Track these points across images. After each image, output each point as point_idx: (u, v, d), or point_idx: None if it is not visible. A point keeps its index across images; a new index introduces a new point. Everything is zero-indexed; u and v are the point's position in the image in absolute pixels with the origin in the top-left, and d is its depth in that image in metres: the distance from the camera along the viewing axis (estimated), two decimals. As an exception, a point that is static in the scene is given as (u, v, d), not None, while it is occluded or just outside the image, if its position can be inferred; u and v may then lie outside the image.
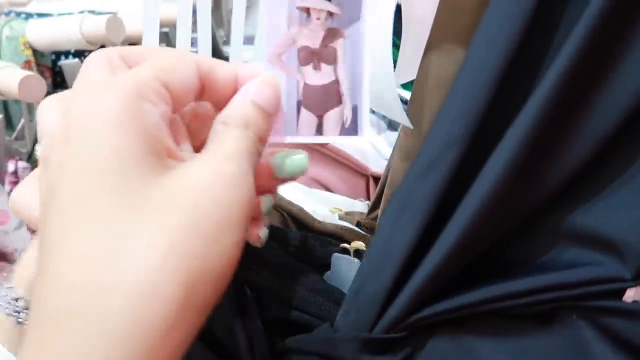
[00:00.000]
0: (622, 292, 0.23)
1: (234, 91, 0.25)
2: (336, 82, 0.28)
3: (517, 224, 0.25)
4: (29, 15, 0.63)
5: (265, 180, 0.27)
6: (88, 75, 0.23)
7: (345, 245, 0.34)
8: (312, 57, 0.28)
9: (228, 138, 0.23)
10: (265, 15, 0.28)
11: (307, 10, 0.28)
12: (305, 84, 0.28)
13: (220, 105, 0.25)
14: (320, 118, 0.28)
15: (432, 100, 0.30)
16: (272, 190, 0.28)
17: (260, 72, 0.26)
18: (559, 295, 0.23)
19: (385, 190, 0.37)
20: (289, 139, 0.28)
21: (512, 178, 0.22)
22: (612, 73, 0.21)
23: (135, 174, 0.20)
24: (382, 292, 0.26)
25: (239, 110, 0.24)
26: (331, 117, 0.28)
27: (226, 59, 0.69)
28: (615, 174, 0.23)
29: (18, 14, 0.64)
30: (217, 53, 0.74)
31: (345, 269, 0.34)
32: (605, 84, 0.21)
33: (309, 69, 0.28)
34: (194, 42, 0.57)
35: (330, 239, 0.38)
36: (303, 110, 0.28)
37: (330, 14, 0.28)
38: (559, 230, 0.24)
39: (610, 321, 0.23)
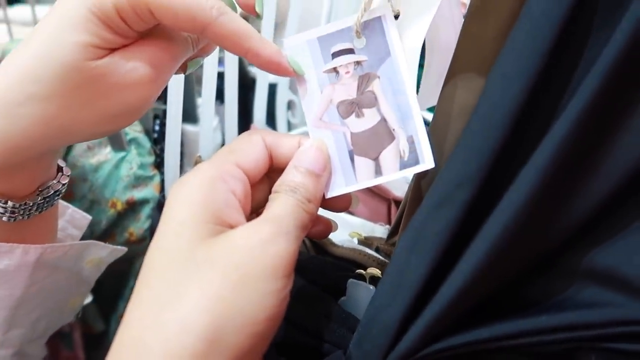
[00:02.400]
0: None
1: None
2: (383, 120, 0.29)
3: (534, 262, 0.24)
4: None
5: None
6: (224, 148, 0.28)
7: (361, 271, 0.34)
8: (352, 107, 0.30)
9: (275, 204, 0.26)
10: (298, 87, 0.30)
11: (335, 69, 0.30)
12: (353, 133, 0.30)
13: None
14: (376, 160, 0.29)
15: (453, 129, 0.30)
16: None
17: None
18: (577, 335, 0.22)
19: (403, 219, 0.37)
20: (350, 188, 0.30)
21: (527, 217, 0.22)
22: (633, 112, 0.21)
23: (194, 238, 0.24)
24: (394, 325, 0.26)
25: (287, 177, 0.27)
26: (387, 156, 0.29)
27: (252, 79, 0.71)
28: (636, 214, 0.22)
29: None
30: (243, 72, 0.76)
31: (360, 295, 0.34)
32: (625, 123, 0.21)
33: (352, 118, 0.30)
34: (221, 61, 0.58)
35: (347, 264, 0.38)
36: (357, 158, 0.29)
37: (358, 63, 0.29)
38: (578, 269, 0.24)
39: (629, 365, 0.22)
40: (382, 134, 0.29)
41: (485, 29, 0.27)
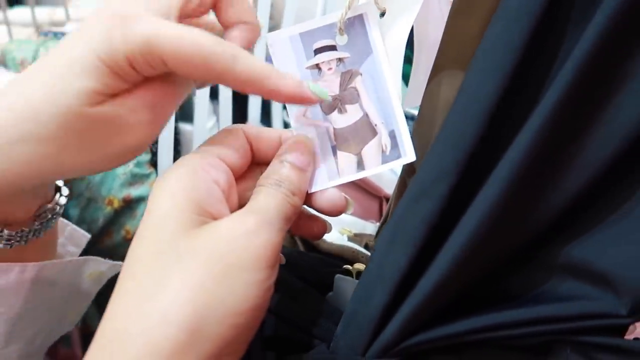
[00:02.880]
0: (622, 328, 0.23)
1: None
2: (365, 116, 0.30)
3: (512, 254, 0.24)
4: (65, 36, 0.66)
5: None
6: (205, 142, 0.29)
7: (348, 267, 0.35)
8: (335, 103, 0.30)
9: (259, 196, 0.26)
10: None
11: (317, 66, 0.30)
12: (336, 129, 0.30)
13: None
14: (359, 155, 0.30)
15: (437, 124, 0.31)
16: None
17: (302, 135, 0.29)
18: (552, 328, 0.23)
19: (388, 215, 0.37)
20: (333, 183, 0.30)
21: (502, 211, 0.22)
22: (608, 105, 0.21)
23: (177, 229, 0.24)
24: (374, 317, 0.26)
25: (271, 171, 0.28)
26: (369, 150, 0.30)
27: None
28: (613, 207, 0.22)
29: (55, 35, 0.67)
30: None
31: (347, 290, 0.34)
32: (600, 116, 0.21)
33: (335, 114, 0.30)
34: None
35: (336, 260, 0.38)
36: (340, 153, 0.30)
37: (340, 59, 0.30)
38: (556, 262, 0.24)
39: (605, 357, 0.22)
40: (365, 130, 0.30)
41: (468, 25, 0.28)
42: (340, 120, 0.30)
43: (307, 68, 0.30)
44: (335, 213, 0.30)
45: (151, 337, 0.22)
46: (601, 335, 0.22)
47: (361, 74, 0.30)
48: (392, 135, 0.29)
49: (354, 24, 0.29)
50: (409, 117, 0.34)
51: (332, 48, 0.29)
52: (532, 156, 0.21)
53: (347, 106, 0.30)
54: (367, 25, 0.29)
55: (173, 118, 0.46)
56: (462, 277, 0.24)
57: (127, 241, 0.62)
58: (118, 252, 0.64)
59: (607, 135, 0.21)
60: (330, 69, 0.30)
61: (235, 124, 0.29)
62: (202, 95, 0.43)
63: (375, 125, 0.29)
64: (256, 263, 0.24)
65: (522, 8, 0.22)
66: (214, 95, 0.59)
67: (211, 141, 0.28)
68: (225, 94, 0.52)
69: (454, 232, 0.23)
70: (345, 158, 0.30)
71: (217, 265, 0.23)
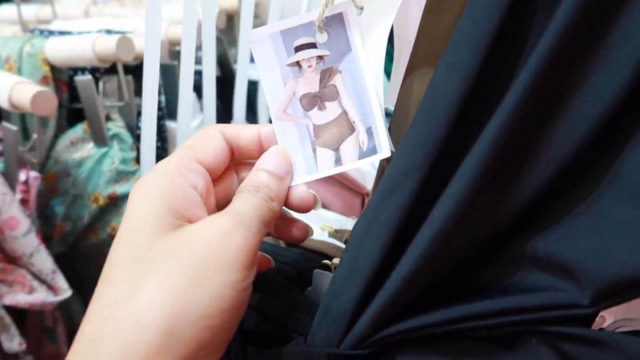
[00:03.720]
0: (585, 318, 0.23)
1: (259, 149, 0.30)
2: (344, 113, 0.30)
3: (480, 247, 0.25)
4: (50, 33, 0.66)
5: None
6: (184, 145, 0.29)
7: (327, 262, 0.35)
8: (315, 100, 0.31)
9: (237, 200, 0.27)
10: (261, 80, 0.31)
11: (298, 63, 0.30)
12: (315, 125, 0.31)
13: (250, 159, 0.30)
14: (337, 151, 0.31)
15: (411, 121, 0.31)
16: None
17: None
18: (519, 318, 0.23)
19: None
20: (311, 177, 0.31)
21: (470, 204, 0.23)
22: (570, 100, 0.22)
23: (153, 233, 0.24)
24: (349, 310, 0.27)
25: (251, 178, 0.28)
26: (347, 146, 0.31)
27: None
28: (576, 202, 0.23)
29: (41, 32, 0.67)
30: (228, 71, 0.77)
31: (325, 285, 0.35)
32: (563, 111, 0.22)
33: (314, 111, 0.31)
34: (199, 61, 0.59)
35: (316, 256, 0.39)
36: (319, 149, 0.31)
37: (320, 57, 0.30)
38: (523, 255, 0.25)
39: (569, 347, 0.23)
40: (343, 126, 0.30)
41: (439, 25, 0.28)
42: (320, 116, 0.30)
43: (287, 65, 0.30)
44: (304, 209, 0.31)
45: (125, 340, 0.22)
46: (565, 325, 0.23)
47: (340, 72, 0.30)
48: (370, 132, 0.30)
49: (334, 22, 0.30)
50: (389, 114, 0.34)
51: (312, 46, 0.30)
52: (497, 151, 0.22)
53: (327, 103, 0.30)
54: (346, 23, 0.30)
55: (157, 115, 0.46)
56: (432, 269, 0.25)
57: (112, 238, 0.62)
58: (103, 248, 0.64)
59: (570, 130, 0.22)
60: (310, 66, 0.30)
61: (214, 125, 0.30)
62: (186, 94, 0.44)
63: (354, 122, 0.30)
64: (231, 264, 0.24)
65: (487, 7, 0.23)
66: (200, 94, 0.60)
67: (190, 143, 0.28)
68: (210, 93, 0.52)
69: (423, 225, 0.24)
70: (324, 153, 0.30)
71: (192, 267, 0.23)
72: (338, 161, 0.30)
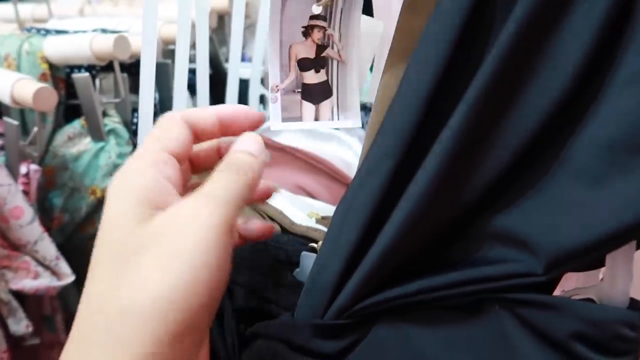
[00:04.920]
0: (541, 285, 0.26)
1: (218, 130, 0.31)
2: (329, 80, 0.37)
3: (449, 224, 0.28)
4: (47, 32, 0.68)
5: None
6: (150, 137, 0.30)
7: (314, 244, 0.38)
8: (311, 64, 0.36)
9: (214, 179, 0.27)
10: (270, 30, 0.36)
11: (307, 30, 0.36)
12: (304, 84, 0.36)
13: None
14: (317, 107, 0.37)
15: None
16: None
17: (239, 107, 0.32)
18: (482, 287, 0.26)
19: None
20: (295, 126, 0.36)
21: (438, 185, 0.25)
22: (523, 93, 0.24)
23: (131, 227, 0.25)
24: (332, 283, 0.29)
25: (230, 158, 0.29)
26: (324, 106, 0.37)
27: (226, 74, 0.74)
28: (532, 182, 0.26)
29: (38, 31, 0.69)
30: (219, 70, 0.79)
31: (311, 266, 0.37)
32: (520, 100, 0.25)
33: (310, 73, 0.36)
34: (192, 59, 0.62)
35: (304, 240, 0.41)
36: (304, 102, 0.37)
37: (325, 32, 0.35)
38: (486, 231, 0.27)
39: (527, 311, 0.25)
40: (326, 90, 0.36)
41: (414, 23, 0.31)
42: (311, 78, 0.36)
43: (302, 27, 0.36)
44: (260, 199, 0.34)
45: (114, 332, 0.23)
46: (524, 292, 0.26)
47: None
48: (344, 102, 0.37)
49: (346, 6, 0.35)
50: (370, 108, 0.37)
51: (324, 19, 0.35)
52: (462, 138, 0.25)
53: (320, 69, 0.36)
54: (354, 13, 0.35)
55: (153, 112, 0.48)
56: (406, 245, 0.27)
57: (109, 230, 0.64)
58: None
59: (524, 118, 0.24)
60: (318, 37, 0.36)
61: (173, 112, 0.30)
62: (180, 92, 0.46)
63: (334, 89, 0.36)
64: (206, 243, 0.24)
65: (453, 7, 0.25)
66: (193, 91, 0.62)
67: (156, 135, 0.29)
68: (203, 91, 0.55)
69: (398, 205, 0.27)
70: (307, 106, 0.36)
71: (167, 251, 0.24)
72: (317, 117, 0.37)
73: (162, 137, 0.28)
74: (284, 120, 0.36)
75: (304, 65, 0.36)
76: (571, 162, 0.24)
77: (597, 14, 0.23)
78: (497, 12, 0.26)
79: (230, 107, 0.32)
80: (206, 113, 0.31)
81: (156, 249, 0.24)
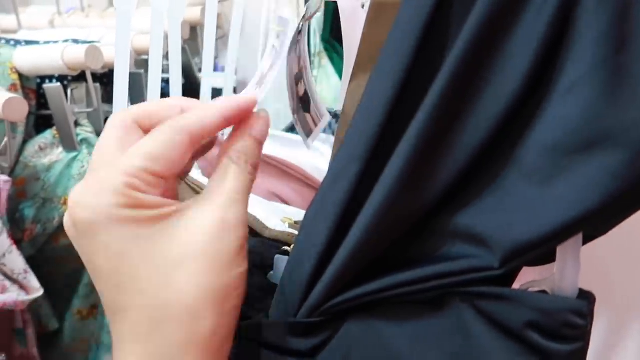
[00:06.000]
0: (498, 278, 0.28)
1: (221, 127, 0.30)
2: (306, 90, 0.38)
3: (413, 223, 0.29)
4: (17, 43, 0.68)
5: None
6: (103, 144, 0.29)
7: (287, 248, 0.39)
8: (299, 75, 0.37)
9: (230, 176, 0.29)
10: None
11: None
12: (299, 97, 0.38)
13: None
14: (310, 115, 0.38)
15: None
16: None
17: (239, 101, 0.30)
18: (443, 282, 0.28)
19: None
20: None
21: (401, 186, 0.27)
22: (476, 100, 0.26)
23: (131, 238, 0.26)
24: (304, 282, 0.31)
25: (239, 145, 0.30)
26: (313, 112, 0.38)
27: (199, 84, 0.75)
28: (487, 182, 0.28)
29: (7, 41, 0.69)
30: (191, 79, 0.80)
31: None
32: (471, 109, 0.27)
33: (300, 85, 0.37)
34: (165, 69, 0.62)
35: (278, 244, 0.43)
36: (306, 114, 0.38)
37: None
38: (448, 229, 0.29)
39: (484, 303, 0.27)
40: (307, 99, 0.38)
41: (378, 34, 0.33)
42: (301, 89, 0.37)
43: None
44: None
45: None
46: (482, 285, 0.27)
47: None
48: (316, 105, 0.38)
49: None
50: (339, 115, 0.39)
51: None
52: (421, 142, 0.26)
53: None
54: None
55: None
56: (373, 244, 0.29)
57: (82, 240, 0.64)
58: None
59: (478, 123, 0.26)
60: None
61: (183, 128, 0.28)
62: (155, 94, 0.47)
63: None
64: (240, 251, 0.28)
65: (412, 19, 0.27)
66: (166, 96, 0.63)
67: (153, 154, 0.27)
68: (176, 92, 0.56)
69: (364, 208, 0.28)
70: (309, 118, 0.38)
71: (211, 259, 0.27)
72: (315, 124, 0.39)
73: (154, 156, 0.27)
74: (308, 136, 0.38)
75: (297, 77, 0.37)
76: (521, 164, 0.26)
77: (540, 27, 0.25)
78: (452, 25, 0.28)
79: (234, 102, 0.30)
80: (213, 119, 0.29)
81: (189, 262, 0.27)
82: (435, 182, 0.28)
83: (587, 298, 0.27)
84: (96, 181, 0.26)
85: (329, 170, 0.30)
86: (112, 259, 0.26)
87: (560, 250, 0.27)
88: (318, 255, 0.30)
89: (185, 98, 0.32)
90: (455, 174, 0.28)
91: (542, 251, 0.26)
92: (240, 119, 0.31)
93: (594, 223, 0.25)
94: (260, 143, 0.31)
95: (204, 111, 0.29)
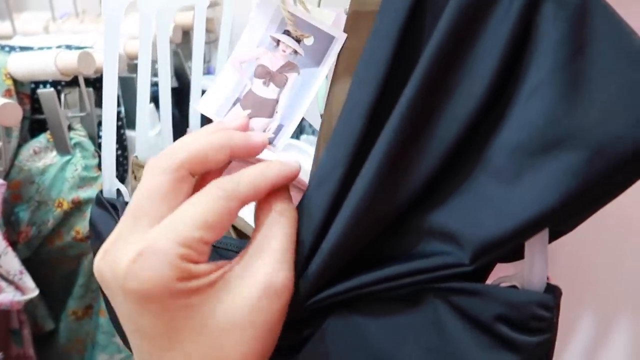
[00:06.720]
0: (469, 274, 0.29)
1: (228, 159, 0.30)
2: (275, 101, 0.35)
3: (389, 223, 0.31)
4: (12, 49, 0.69)
5: None
6: (148, 189, 0.28)
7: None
8: (266, 75, 0.35)
9: (277, 232, 0.29)
10: (244, 32, 0.35)
11: (278, 41, 0.35)
12: (251, 90, 0.35)
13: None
14: (250, 119, 0.35)
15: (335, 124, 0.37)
16: None
17: (248, 139, 0.32)
18: (417, 279, 0.29)
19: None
20: (218, 118, 0.35)
21: (377, 186, 0.28)
22: (446, 104, 0.28)
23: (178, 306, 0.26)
24: (289, 280, 0.32)
25: (282, 199, 0.30)
26: (257, 122, 0.35)
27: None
28: (457, 182, 0.29)
29: (2, 47, 0.70)
30: (185, 82, 0.81)
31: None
32: (441, 112, 0.28)
33: (259, 82, 0.35)
34: (157, 73, 0.63)
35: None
36: (237, 107, 0.35)
37: (296, 52, 0.35)
38: (423, 227, 0.30)
39: (457, 299, 0.28)
40: (267, 108, 0.35)
41: (357, 43, 0.34)
42: (259, 89, 0.35)
43: (270, 36, 0.35)
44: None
45: None
46: (455, 281, 0.29)
47: (298, 74, 0.35)
48: (278, 129, 0.35)
49: (324, 38, 0.35)
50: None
51: (297, 39, 0.35)
52: (394, 146, 0.28)
53: (272, 84, 0.35)
54: (331, 47, 0.35)
55: (117, 125, 0.50)
56: (352, 243, 0.30)
57: (76, 241, 0.66)
58: (68, 252, 0.67)
59: (447, 127, 0.28)
60: (284, 51, 0.35)
61: (233, 189, 0.28)
62: (143, 105, 0.48)
63: (276, 112, 0.35)
64: (280, 320, 0.29)
65: (387, 30, 0.28)
66: (158, 104, 0.64)
67: (203, 221, 0.26)
68: (165, 104, 0.57)
69: (343, 206, 0.29)
70: (237, 112, 0.35)
71: (259, 328, 0.27)
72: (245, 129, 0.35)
73: (210, 226, 0.26)
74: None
75: (259, 72, 0.35)
76: (489, 163, 0.28)
77: (504, 32, 0.26)
78: (424, 32, 0.29)
79: (241, 140, 0.31)
80: (264, 186, 0.29)
81: (235, 328, 0.27)
82: (408, 182, 0.29)
83: (552, 291, 0.28)
84: (150, 251, 0.25)
85: (313, 175, 0.31)
86: (160, 325, 0.26)
87: (528, 245, 0.28)
88: (304, 256, 0.31)
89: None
90: (428, 174, 0.29)
91: (509, 247, 0.27)
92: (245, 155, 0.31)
93: (559, 219, 0.26)
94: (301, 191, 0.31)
95: (255, 177, 0.29)
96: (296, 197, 0.48)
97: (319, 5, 0.38)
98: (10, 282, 0.56)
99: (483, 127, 0.28)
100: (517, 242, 0.27)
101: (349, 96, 0.30)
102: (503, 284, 0.30)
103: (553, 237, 0.30)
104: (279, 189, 0.31)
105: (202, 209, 0.26)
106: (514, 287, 0.30)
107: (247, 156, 0.32)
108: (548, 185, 0.25)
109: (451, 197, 0.29)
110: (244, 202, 0.28)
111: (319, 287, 0.31)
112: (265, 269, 0.28)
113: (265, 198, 0.30)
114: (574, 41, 0.24)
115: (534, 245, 0.28)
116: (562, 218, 0.26)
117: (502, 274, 0.31)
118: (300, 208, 0.32)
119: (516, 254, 0.30)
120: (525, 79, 0.26)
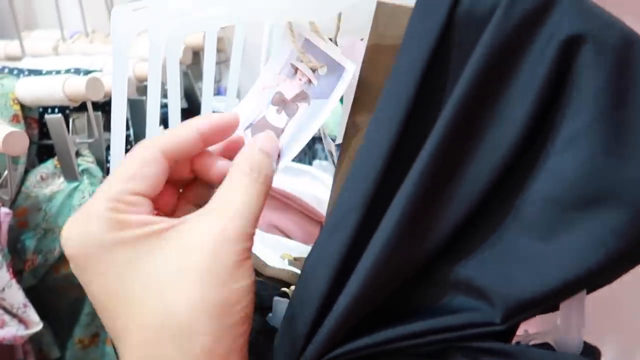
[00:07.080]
0: (499, 334, 0.27)
1: (201, 143, 0.30)
2: (281, 130, 0.34)
3: (412, 274, 0.29)
4: (20, 72, 0.68)
5: None
6: (120, 174, 0.28)
7: (286, 289, 0.38)
8: (281, 103, 0.35)
9: (236, 187, 0.28)
10: (271, 58, 0.36)
11: (296, 69, 0.34)
12: (264, 117, 0.35)
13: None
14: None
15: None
16: None
17: (213, 117, 0.31)
18: (446, 336, 0.27)
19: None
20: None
21: (400, 236, 0.26)
22: (475, 150, 0.26)
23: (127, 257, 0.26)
24: (302, 334, 0.30)
25: (249, 156, 0.30)
26: None
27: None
28: (487, 234, 0.27)
29: (11, 71, 0.69)
30: (195, 103, 0.80)
31: (284, 311, 0.38)
32: (471, 159, 0.26)
33: (273, 109, 0.35)
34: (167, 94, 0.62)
35: (277, 284, 0.42)
36: (249, 132, 0.35)
37: (309, 81, 0.34)
38: (448, 281, 0.28)
39: (487, 359, 0.27)
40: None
41: (375, 77, 0.32)
42: (272, 116, 0.34)
43: (291, 63, 0.34)
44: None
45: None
46: (484, 340, 0.27)
47: (309, 104, 0.34)
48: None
49: (337, 69, 0.33)
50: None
51: (313, 69, 0.34)
52: (420, 192, 0.26)
53: (283, 113, 0.35)
54: (342, 79, 0.33)
55: (126, 149, 0.49)
56: (371, 295, 0.28)
57: (83, 270, 0.64)
58: (74, 280, 0.65)
59: (477, 174, 0.26)
60: (300, 79, 0.35)
61: (147, 144, 0.29)
62: (152, 127, 0.47)
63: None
64: (242, 263, 0.27)
65: (408, 69, 0.27)
66: (167, 125, 0.63)
67: (127, 173, 0.27)
68: (175, 125, 0.55)
69: (362, 257, 0.28)
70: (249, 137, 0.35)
71: (211, 271, 0.26)
72: None
73: (134, 177, 0.27)
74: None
75: (276, 100, 0.35)
76: (522, 216, 0.26)
77: (538, 78, 0.24)
78: (449, 73, 0.27)
79: (206, 118, 0.31)
80: (185, 134, 0.30)
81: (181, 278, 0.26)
82: (434, 231, 0.27)
83: (592, 353, 0.26)
84: (81, 212, 0.27)
85: (328, 219, 0.29)
86: (108, 285, 0.26)
87: (565, 303, 0.26)
88: (316, 305, 0.29)
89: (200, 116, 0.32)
90: (456, 224, 0.27)
91: (545, 307, 0.25)
92: (222, 136, 0.31)
93: (597, 279, 0.24)
94: (269, 156, 0.30)
95: (177, 128, 0.30)
96: (313, 230, 0.46)
97: (336, 36, 0.36)
98: (14, 315, 0.55)
99: (513, 175, 0.26)
100: (554, 302, 0.25)
101: (366, 136, 0.28)
102: (534, 341, 0.28)
103: (589, 291, 0.28)
104: (249, 151, 0.30)
105: (127, 163, 0.28)
106: (546, 344, 0.28)
107: (219, 135, 0.31)
108: (588, 244, 0.23)
109: (480, 249, 0.27)
110: (164, 151, 0.29)
111: (335, 341, 0.29)
112: (220, 216, 0.27)
113: (237, 159, 0.30)
114: (615, 89, 0.22)
115: (572, 304, 0.26)
116: (601, 277, 0.24)
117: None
118: (314, 252, 0.30)
119: (549, 308, 0.28)
120: (560, 127, 0.24)
